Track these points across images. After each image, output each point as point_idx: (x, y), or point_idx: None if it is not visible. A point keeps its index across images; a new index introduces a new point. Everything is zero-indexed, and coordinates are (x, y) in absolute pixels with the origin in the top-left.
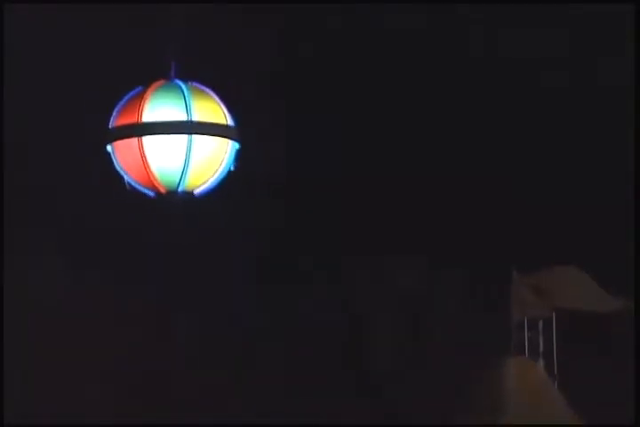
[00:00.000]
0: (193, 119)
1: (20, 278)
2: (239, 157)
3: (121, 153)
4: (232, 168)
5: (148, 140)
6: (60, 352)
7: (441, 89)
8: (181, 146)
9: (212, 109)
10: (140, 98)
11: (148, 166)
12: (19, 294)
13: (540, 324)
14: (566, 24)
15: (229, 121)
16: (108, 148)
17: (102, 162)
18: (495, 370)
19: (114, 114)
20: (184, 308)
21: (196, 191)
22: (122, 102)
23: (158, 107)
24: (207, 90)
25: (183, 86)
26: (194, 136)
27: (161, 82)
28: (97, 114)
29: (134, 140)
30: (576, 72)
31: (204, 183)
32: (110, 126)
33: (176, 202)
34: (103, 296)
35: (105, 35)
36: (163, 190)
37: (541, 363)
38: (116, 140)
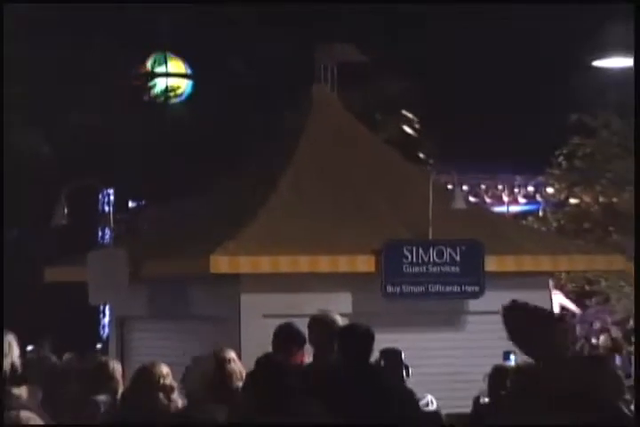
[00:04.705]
0: (168, 71)
1: None
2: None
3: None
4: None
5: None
6: None
7: None
8: (163, 82)
9: (177, 66)
10: (145, 60)
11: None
12: None
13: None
14: None
15: (187, 70)
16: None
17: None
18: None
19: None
20: None
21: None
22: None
23: (154, 65)
24: (176, 56)
25: (165, 55)
26: (168, 78)
27: (155, 53)
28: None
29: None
30: None
31: (179, 96)
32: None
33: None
34: None
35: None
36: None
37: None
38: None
